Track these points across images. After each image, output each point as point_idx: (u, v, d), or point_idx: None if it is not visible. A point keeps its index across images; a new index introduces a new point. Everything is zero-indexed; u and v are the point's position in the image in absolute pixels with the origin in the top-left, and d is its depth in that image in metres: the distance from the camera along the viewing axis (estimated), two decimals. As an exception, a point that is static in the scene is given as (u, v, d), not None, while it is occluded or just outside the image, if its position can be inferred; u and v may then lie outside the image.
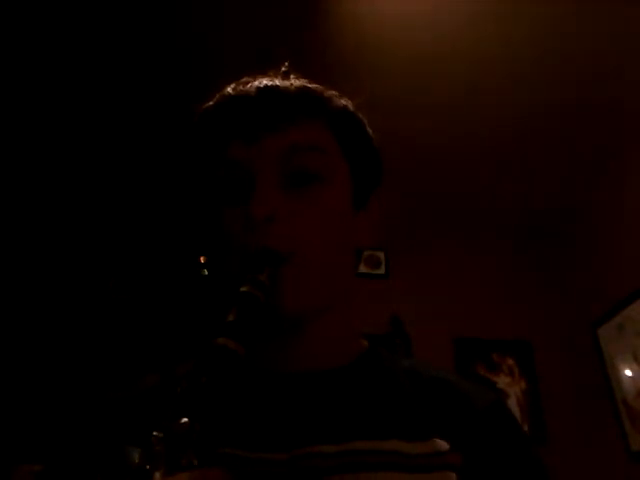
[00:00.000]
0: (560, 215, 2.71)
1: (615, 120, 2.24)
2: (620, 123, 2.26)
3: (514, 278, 2.80)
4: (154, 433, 0.37)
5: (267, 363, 0.56)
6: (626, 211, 2.37)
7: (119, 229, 2.50)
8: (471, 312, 2.61)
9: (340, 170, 0.58)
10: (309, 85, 0.58)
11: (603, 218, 2.54)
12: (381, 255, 2.70)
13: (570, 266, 2.74)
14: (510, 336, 2.63)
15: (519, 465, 0.52)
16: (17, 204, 2.37)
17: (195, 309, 2.20)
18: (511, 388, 2.51)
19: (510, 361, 2.58)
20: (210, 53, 2.00)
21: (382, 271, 2.68)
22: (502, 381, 2.52)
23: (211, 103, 0.59)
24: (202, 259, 2.37)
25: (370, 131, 0.63)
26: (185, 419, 0.37)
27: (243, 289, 0.46)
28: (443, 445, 0.48)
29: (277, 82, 0.57)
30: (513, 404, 2.44)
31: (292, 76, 0.59)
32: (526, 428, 2.38)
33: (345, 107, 0.61)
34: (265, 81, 0.57)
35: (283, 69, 0.60)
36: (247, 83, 0.58)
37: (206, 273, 2.36)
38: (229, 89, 0.58)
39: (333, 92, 0.61)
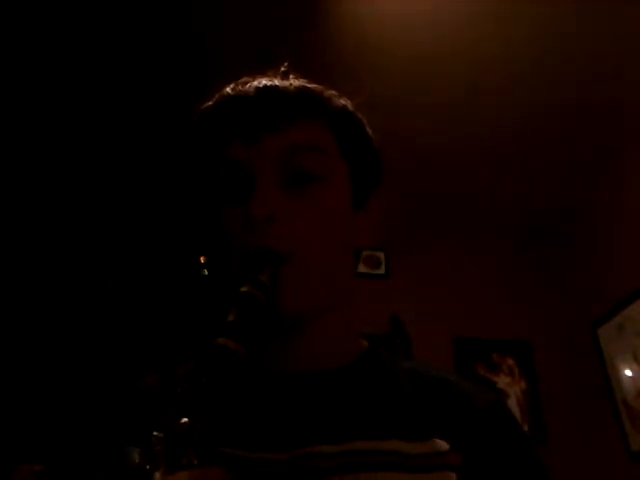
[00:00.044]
0: (560, 215, 2.71)
1: (615, 120, 2.24)
2: (620, 123, 2.26)
3: (514, 278, 2.80)
4: (154, 433, 0.37)
5: (267, 363, 0.56)
6: (626, 211, 2.37)
7: (119, 229, 2.50)
8: (471, 312, 2.61)
9: (340, 170, 0.58)
10: (308, 85, 0.58)
11: (603, 218, 2.54)
12: (381, 255, 2.70)
13: (570, 266, 2.74)
14: (510, 336, 2.63)
15: (519, 465, 0.52)
16: (17, 204, 2.37)
17: (195, 309, 2.20)
18: (511, 388, 2.51)
19: (510, 361, 2.58)
20: (210, 53, 1.99)
21: (382, 271, 2.68)
22: (502, 381, 2.52)
23: (210, 103, 0.59)
24: (202, 259, 2.37)
25: (370, 131, 0.63)
26: (185, 419, 0.37)
27: (243, 289, 0.46)
28: (443, 445, 0.49)
29: (276, 82, 0.57)
30: (513, 404, 2.44)
31: (291, 76, 0.59)
32: (526, 428, 2.38)
33: (344, 107, 0.61)
34: (264, 81, 0.57)
35: (282, 69, 0.60)
36: (246, 83, 0.58)
37: (206, 273, 2.36)
38: (228, 89, 0.58)
39: (332, 92, 0.61)
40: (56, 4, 1.81)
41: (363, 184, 0.61)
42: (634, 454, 2.17)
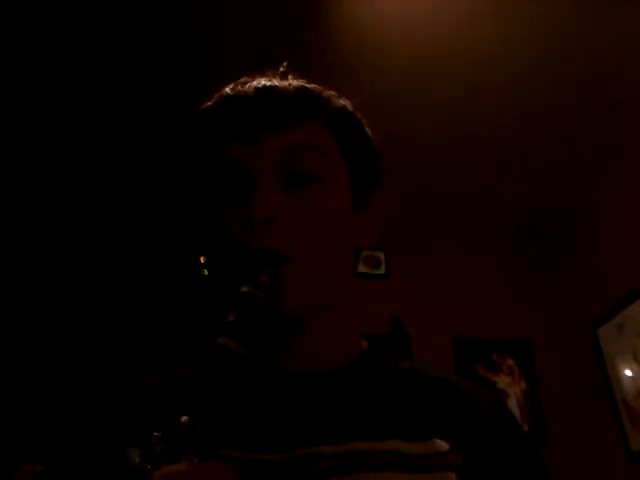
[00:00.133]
0: (560, 215, 2.71)
1: (615, 120, 2.24)
2: (620, 123, 2.26)
3: (514, 278, 2.80)
4: (154, 433, 0.37)
5: (267, 363, 0.56)
6: (626, 211, 2.37)
7: (119, 229, 2.50)
8: (471, 312, 2.61)
9: (339, 170, 0.58)
10: (308, 85, 0.58)
11: (603, 218, 2.54)
12: (381, 255, 2.70)
13: (570, 266, 2.74)
14: (510, 336, 2.63)
15: (519, 465, 0.52)
16: (17, 204, 2.37)
17: (195, 309, 2.20)
18: (511, 388, 2.51)
19: (510, 361, 2.58)
20: (210, 53, 2.00)
21: (382, 271, 2.68)
22: (502, 381, 2.52)
23: (210, 103, 0.59)
24: (202, 259, 2.37)
25: (369, 131, 0.63)
26: (185, 418, 0.37)
27: (244, 289, 0.47)
28: (443, 445, 0.49)
29: (276, 82, 0.57)
30: (513, 404, 2.44)
31: (290, 76, 0.59)
32: (526, 428, 2.38)
33: (344, 107, 0.61)
34: (264, 81, 0.57)
35: (281, 69, 0.60)
36: (245, 83, 0.58)
37: (206, 273, 2.36)
38: (227, 89, 0.58)
39: (332, 92, 0.61)
40: (56, 4, 1.81)
41: (363, 184, 0.61)
42: (634, 454, 2.17)
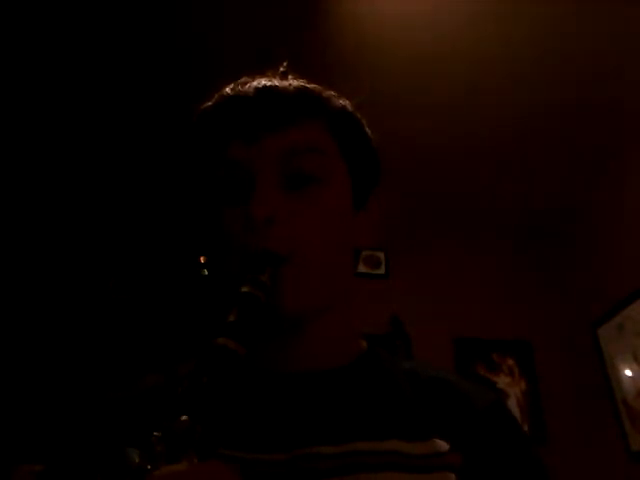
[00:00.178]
0: (560, 215, 2.71)
1: (615, 120, 2.24)
2: (620, 123, 2.26)
3: (514, 278, 2.80)
4: (154, 433, 0.37)
5: (267, 363, 0.56)
6: (626, 211, 2.37)
7: (119, 229, 2.50)
8: (471, 312, 2.61)
9: (339, 170, 0.58)
10: (308, 85, 0.58)
11: (603, 218, 2.54)
12: (381, 255, 2.70)
13: (570, 266, 2.74)
14: (510, 336, 2.63)
15: (519, 465, 0.52)
16: (17, 204, 2.37)
17: (195, 309, 2.20)
18: (511, 388, 2.51)
19: (510, 361, 2.58)
20: (210, 53, 2.00)
21: (382, 271, 2.68)
22: (502, 381, 2.52)
23: (210, 103, 0.59)
24: (202, 259, 2.37)
25: (369, 131, 0.63)
26: (185, 417, 0.37)
27: (244, 289, 0.47)
28: (443, 445, 0.49)
29: (276, 82, 0.57)
30: (513, 404, 2.44)
31: (290, 76, 0.59)
32: (526, 428, 2.38)
33: (344, 107, 0.61)
34: (264, 81, 0.57)
35: (281, 69, 0.60)
36: (245, 83, 0.58)
37: (206, 273, 2.36)
38: (227, 89, 0.58)
39: (331, 92, 0.61)
40: (56, 4, 1.81)
41: (363, 184, 0.61)
42: (634, 454, 2.17)
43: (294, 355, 0.56)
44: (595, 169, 2.48)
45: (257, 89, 0.56)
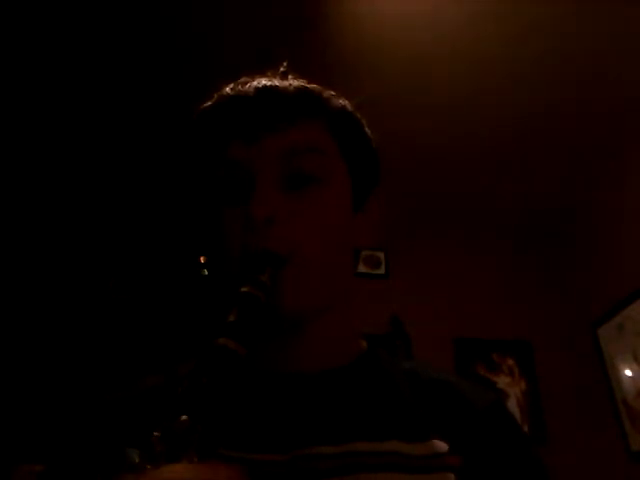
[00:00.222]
0: (560, 215, 2.71)
1: (615, 120, 2.24)
2: (620, 123, 2.26)
3: (514, 278, 2.80)
4: (154, 433, 0.37)
5: (267, 363, 0.56)
6: (626, 211, 2.37)
7: (119, 229, 2.50)
8: (471, 312, 2.61)
9: (339, 171, 0.58)
10: (308, 85, 0.58)
11: (603, 218, 2.54)
12: (381, 255, 2.70)
13: (570, 266, 2.74)
14: (510, 336, 2.63)
15: (519, 466, 0.52)
16: (17, 204, 2.37)
17: (195, 309, 2.20)
18: (511, 388, 2.51)
19: (510, 361, 2.58)
20: (210, 53, 2.00)
21: (382, 271, 2.68)
22: (502, 381, 2.52)
23: (210, 103, 0.59)
24: (202, 259, 2.37)
25: (369, 131, 0.63)
26: (185, 417, 0.37)
27: (244, 289, 0.46)
28: (443, 446, 0.49)
29: (276, 82, 0.57)
30: (513, 404, 2.44)
31: (290, 76, 0.59)
32: (526, 428, 2.38)
33: (344, 107, 0.61)
34: (264, 81, 0.57)
35: (281, 69, 0.60)
36: (245, 83, 0.58)
37: (206, 273, 2.36)
38: (227, 89, 0.58)
39: (331, 92, 0.61)
40: (56, 4, 1.81)
41: (362, 184, 0.61)
42: (634, 454, 2.17)
43: (294, 355, 0.56)
44: (595, 169, 2.48)
45: (257, 89, 0.56)
